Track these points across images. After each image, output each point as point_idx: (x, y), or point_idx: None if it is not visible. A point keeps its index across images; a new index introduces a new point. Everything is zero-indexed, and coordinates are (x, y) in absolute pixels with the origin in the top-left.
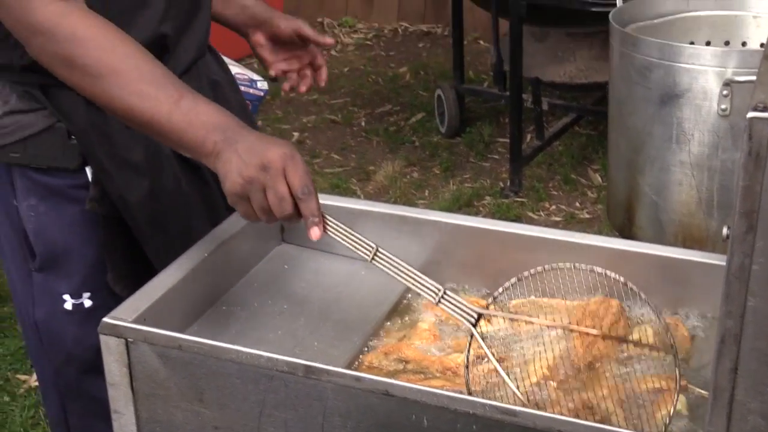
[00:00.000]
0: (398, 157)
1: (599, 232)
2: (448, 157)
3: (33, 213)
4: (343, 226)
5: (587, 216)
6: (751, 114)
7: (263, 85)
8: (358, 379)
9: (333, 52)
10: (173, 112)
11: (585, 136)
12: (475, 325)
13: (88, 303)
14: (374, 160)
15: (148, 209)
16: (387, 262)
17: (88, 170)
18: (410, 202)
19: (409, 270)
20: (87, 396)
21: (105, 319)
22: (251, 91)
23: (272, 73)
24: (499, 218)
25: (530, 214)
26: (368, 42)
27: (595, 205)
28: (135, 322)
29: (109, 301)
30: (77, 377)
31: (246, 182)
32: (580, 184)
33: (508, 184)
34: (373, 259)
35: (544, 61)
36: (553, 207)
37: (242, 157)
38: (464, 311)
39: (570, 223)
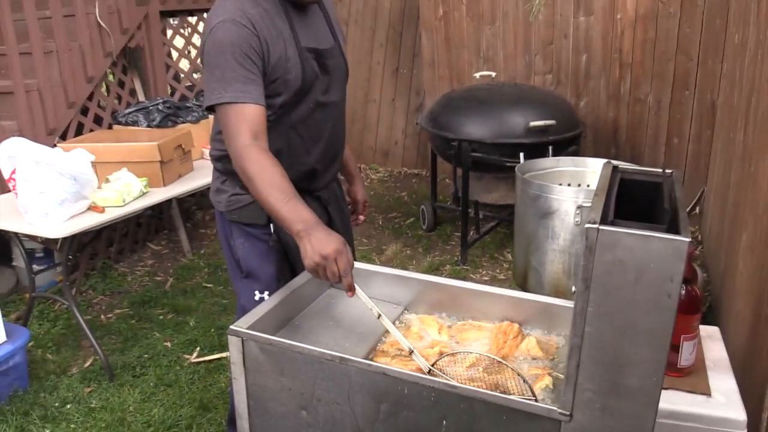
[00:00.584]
0: (399, 242)
1: (508, 287)
2: (427, 243)
3: (241, 247)
4: (364, 294)
5: (503, 278)
6: (586, 225)
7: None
8: (369, 365)
9: (365, 183)
10: (283, 208)
11: (503, 233)
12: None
13: (266, 297)
14: (385, 243)
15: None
16: (386, 321)
17: (272, 225)
18: (404, 267)
19: (396, 330)
20: None
21: (231, 327)
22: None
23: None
24: (454, 278)
25: (471, 276)
26: (384, 178)
27: (507, 272)
28: (247, 329)
29: None
30: None
31: (315, 264)
32: (499, 259)
33: (459, 259)
34: (378, 317)
35: (481, 190)
36: (484, 272)
37: (313, 247)
38: (422, 364)
39: (493, 281)
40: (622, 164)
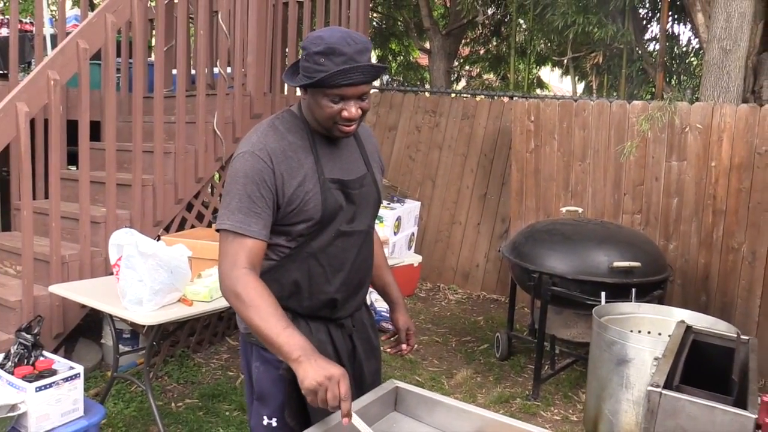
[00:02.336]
0: (470, 367)
1: (580, 431)
2: (499, 372)
3: (256, 370)
4: (362, 421)
5: (576, 419)
6: (648, 388)
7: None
8: None
9: (443, 303)
10: (280, 335)
11: (579, 372)
12: None
13: (273, 423)
14: (456, 367)
15: None
16: None
17: None
18: (473, 395)
19: None
20: None
21: None
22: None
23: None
24: (524, 413)
25: (542, 413)
26: (462, 300)
27: (580, 413)
28: None
29: (284, 425)
30: None
31: (318, 383)
32: (573, 399)
33: (531, 393)
34: None
35: (559, 325)
36: (556, 410)
37: (317, 369)
38: None
39: (565, 421)
40: (697, 320)
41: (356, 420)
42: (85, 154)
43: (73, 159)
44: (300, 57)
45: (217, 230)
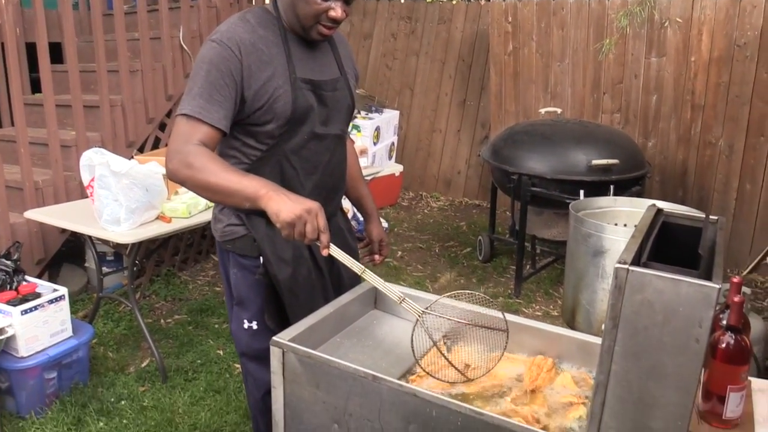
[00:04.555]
0: (454, 271)
1: (561, 325)
2: (482, 274)
3: (234, 276)
4: (339, 251)
5: (556, 314)
6: (616, 265)
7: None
8: (400, 385)
9: (425, 211)
10: (241, 180)
11: (559, 270)
12: (420, 317)
13: (254, 327)
14: (440, 271)
15: (289, 285)
16: (371, 277)
17: (261, 258)
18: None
19: (385, 284)
20: (250, 374)
21: (274, 338)
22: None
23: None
24: (506, 311)
25: (524, 309)
26: (445, 207)
27: (561, 308)
28: (289, 341)
29: (264, 328)
30: (246, 363)
31: (296, 216)
32: (554, 296)
33: (513, 292)
34: (362, 272)
35: (539, 225)
36: (538, 307)
37: (292, 202)
38: (414, 308)
39: (546, 317)
40: (669, 206)
41: (335, 250)
42: (47, 77)
43: (37, 85)
44: None
45: (177, 115)
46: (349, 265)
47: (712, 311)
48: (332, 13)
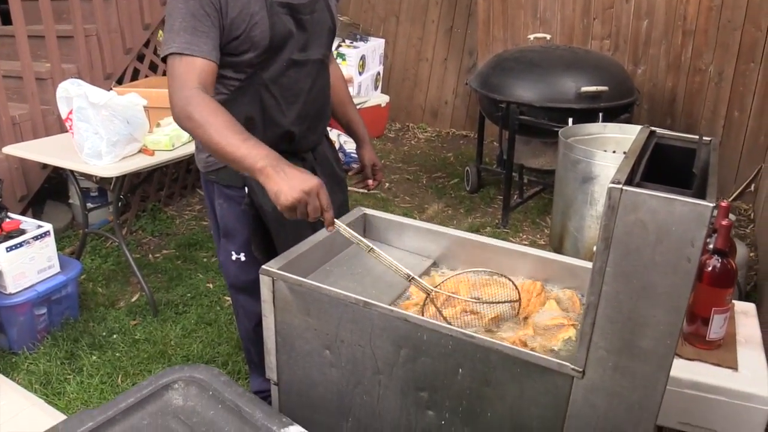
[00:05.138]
0: (441, 202)
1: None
2: (469, 204)
3: (220, 207)
4: (346, 227)
5: (543, 243)
6: (609, 185)
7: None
8: (391, 310)
9: (412, 142)
10: (240, 146)
11: (547, 199)
12: (428, 295)
13: (242, 258)
14: (428, 202)
15: (275, 214)
16: (379, 255)
17: (246, 188)
18: (445, 226)
19: (392, 262)
20: (240, 305)
21: (263, 267)
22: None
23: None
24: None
25: (511, 239)
26: (432, 138)
27: (548, 237)
28: (279, 269)
29: (252, 259)
30: (235, 294)
31: (296, 200)
32: (541, 225)
33: (501, 221)
34: (369, 250)
35: (527, 155)
36: (524, 236)
37: (291, 183)
38: (424, 287)
39: (533, 246)
40: (660, 130)
41: (340, 225)
42: (17, 7)
43: (7, 17)
44: None
45: (164, 57)
46: (354, 242)
47: (705, 230)
48: None
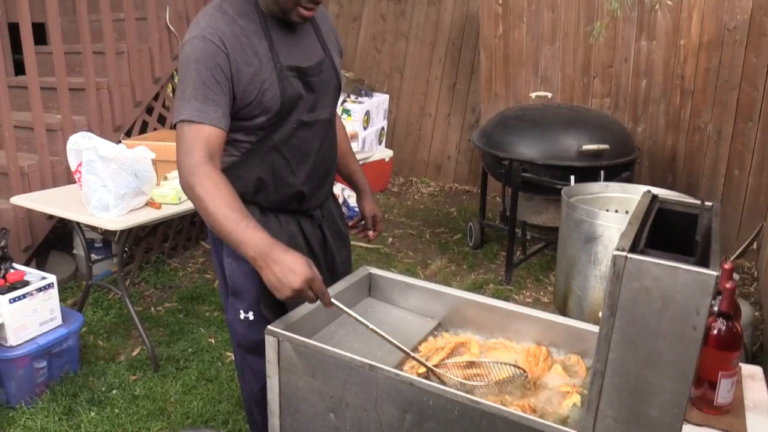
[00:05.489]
0: (445, 257)
1: (552, 312)
2: (472, 260)
3: (228, 266)
4: (343, 306)
5: (547, 300)
6: (614, 252)
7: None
8: (396, 374)
9: (415, 196)
10: (234, 231)
11: (550, 256)
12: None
13: (251, 317)
14: (431, 258)
15: None
16: (378, 333)
17: None
18: (447, 283)
19: (392, 340)
20: (247, 366)
21: (269, 327)
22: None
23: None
24: (497, 297)
25: (514, 296)
26: (435, 192)
27: (551, 295)
28: (284, 329)
29: (261, 318)
30: (243, 355)
31: (293, 292)
32: (544, 282)
33: (504, 278)
34: (369, 329)
35: (530, 211)
36: (528, 294)
37: (281, 279)
38: (424, 365)
39: (536, 303)
40: (663, 193)
41: (337, 304)
42: (30, 58)
43: (21, 66)
44: None
45: (174, 124)
46: (353, 318)
47: (709, 298)
48: None
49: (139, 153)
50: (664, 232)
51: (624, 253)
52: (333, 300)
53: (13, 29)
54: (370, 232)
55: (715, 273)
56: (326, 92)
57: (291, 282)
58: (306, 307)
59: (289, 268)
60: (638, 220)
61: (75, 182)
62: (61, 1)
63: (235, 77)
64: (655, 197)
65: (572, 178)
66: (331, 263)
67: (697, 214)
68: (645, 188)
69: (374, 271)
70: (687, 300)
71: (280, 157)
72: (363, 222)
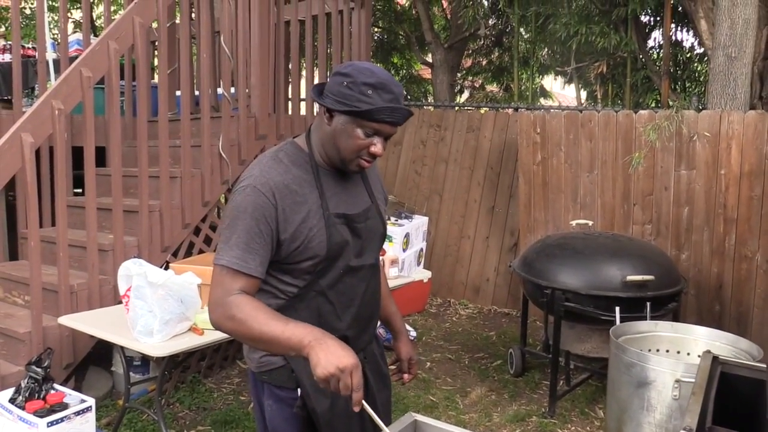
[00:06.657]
0: (484, 385)
1: None
2: (513, 389)
3: (269, 408)
4: (371, 409)
5: None
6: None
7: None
8: None
9: (454, 318)
10: (285, 331)
11: (595, 386)
12: None
13: None
14: (470, 385)
15: (327, 417)
16: None
17: (299, 390)
18: (489, 414)
19: None
20: None
21: None
22: None
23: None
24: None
25: (559, 431)
26: (473, 315)
27: (598, 430)
28: None
29: None
30: None
31: (329, 374)
32: (590, 415)
33: (547, 410)
34: None
35: (573, 340)
36: (573, 428)
37: (328, 357)
38: None
39: None
40: (719, 344)
41: (366, 408)
42: (91, 181)
43: (78, 182)
44: (333, 80)
45: (215, 264)
46: (378, 424)
47: None
48: (373, 149)
49: (186, 279)
50: (729, 400)
51: None
52: (363, 402)
53: (75, 148)
54: (406, 375)
55: None
56: (372, 238)
57: (338, 359)
58: None
59: (340, 348)
60: (701, 390)
61: (120, 301)
62: (122, 127)
63: (281, 225)
64: (716, 359)
65: (617, 309)
66: (373, 405)
67: (764, 380)
68: (696, 328)
69: (420, 418)
70: None
71: (326, 302)
72: (398, 363)
